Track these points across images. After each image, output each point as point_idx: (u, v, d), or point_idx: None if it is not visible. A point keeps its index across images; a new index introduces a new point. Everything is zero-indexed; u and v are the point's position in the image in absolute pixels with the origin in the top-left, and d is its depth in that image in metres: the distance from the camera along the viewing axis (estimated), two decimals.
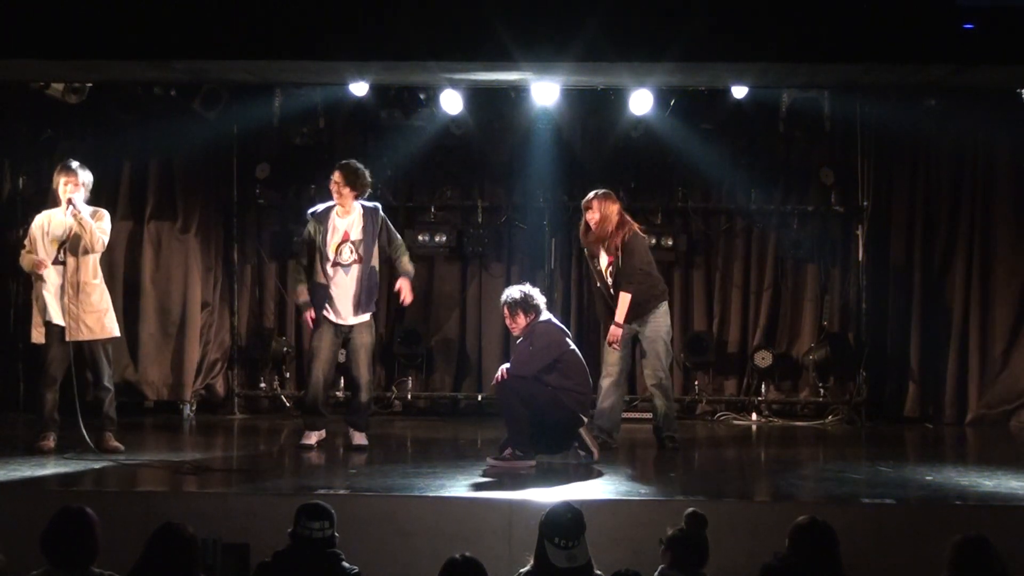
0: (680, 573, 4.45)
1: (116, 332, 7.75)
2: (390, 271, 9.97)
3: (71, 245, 7.52)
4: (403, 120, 9.59)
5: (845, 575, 4.42)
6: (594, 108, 9.64)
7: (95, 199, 9.72)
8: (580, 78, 8.46)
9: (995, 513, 6.06)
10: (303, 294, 7.89)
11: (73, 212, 7.49)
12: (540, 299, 7.42)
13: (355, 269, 7.78)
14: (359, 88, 9.01)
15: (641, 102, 9.14)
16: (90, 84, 8.89)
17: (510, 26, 6.85)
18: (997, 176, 9.83)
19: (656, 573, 4.47)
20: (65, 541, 4.16)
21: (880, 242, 9.91)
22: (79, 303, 7.49)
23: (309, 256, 7.87)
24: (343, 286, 7.77)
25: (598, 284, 8.09)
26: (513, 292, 7.43)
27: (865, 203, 9.84)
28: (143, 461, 7.30)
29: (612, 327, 7.82)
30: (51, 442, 7.51)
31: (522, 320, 7.33)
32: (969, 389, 9.78)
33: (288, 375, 10.14)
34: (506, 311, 7.42)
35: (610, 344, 7.86)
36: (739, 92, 8.99)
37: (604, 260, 7.95)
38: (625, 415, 8.44)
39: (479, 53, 7.18)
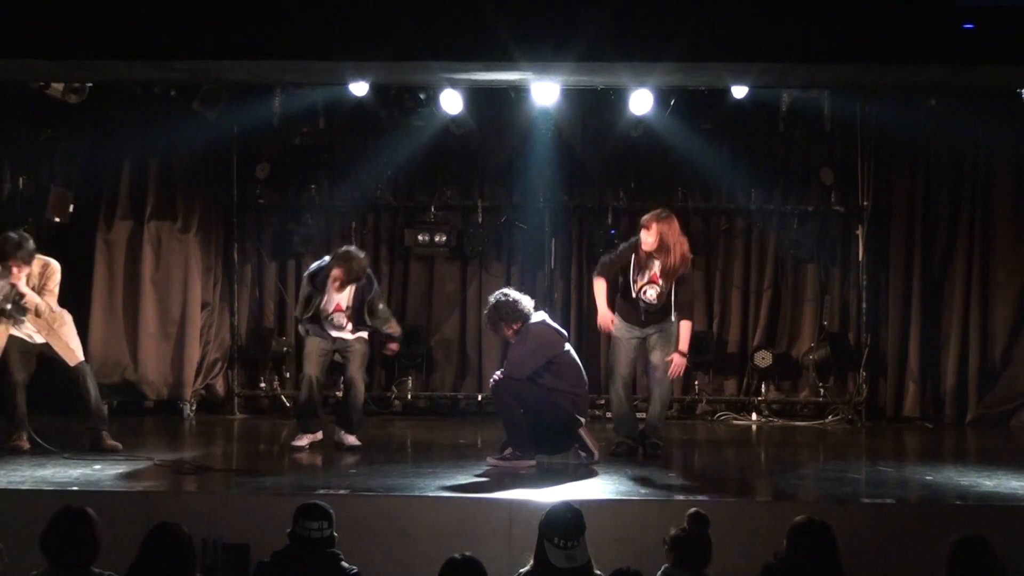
0: (684, 573, 4.46)
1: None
2: (390, 272, 10.05)
3: (16, 310, 7.51)
4: (403, 120, 9.58)
5: (845, 575, 4.42)
6: (594, 108, 9.64)
7: (95, 200, 9.81)
8: (580, 78, 8.45)
9: (995, 513, 6.06)
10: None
11: (26, 302, 7.47)
12: (524, 303, 7.30)
13: (349, 326, 7.96)
14: (359, 88, 9.00)
15: (641, 102, 9.13)
16: (90, 84, 8.89)
17: (510, 26, 6.85)
18: (997, 176, 9.83)
19: (660, 572, 4.47)
20: (65, 541, 4.16)
21: (880, 242, 9.91)
22: (59, 331, 7.61)
23: (307, 307, 7.97)
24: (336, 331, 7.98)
25: (624, 289, 7.78)
26: (490, 305, 7.34)
27: (865, 203, 9.84)
28: (143, 461, 7.29)
29: (677, 357, 7.64)
30: (25, 444, 7.57)
31: (507, 330, 7.30)
32: (969, 389, 9.78)
33: (288, 375, 10.13)
34: (487, 325, 7.43)
35: (672, 375, 7.72)
36: (739, 92, 8.98)
37: (646, 275, 7.67)
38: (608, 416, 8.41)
39: (479, 53, 7.18)
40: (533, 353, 7.18)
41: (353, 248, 8.10)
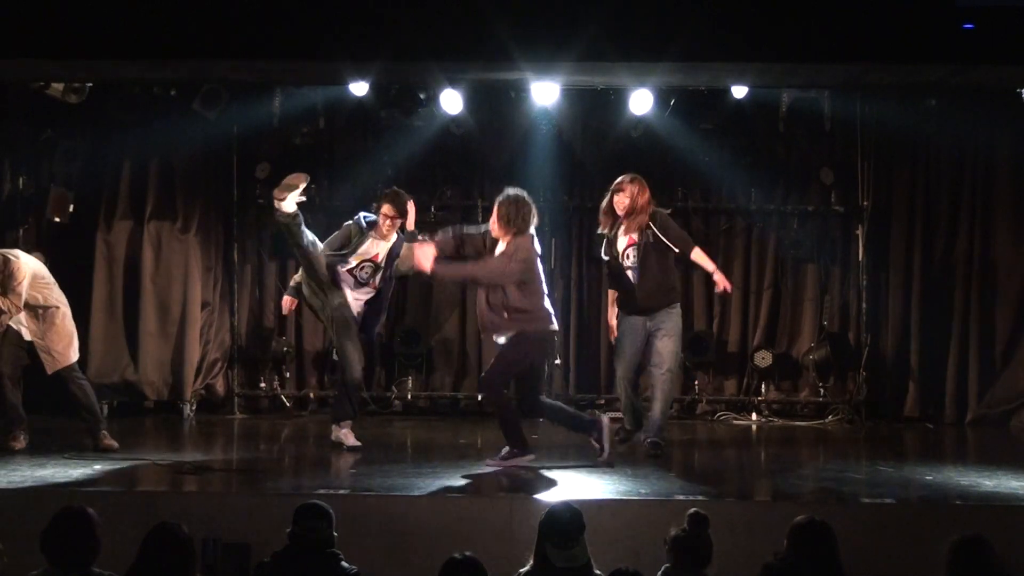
0: (684, 573, 4.46)
1: (77, 355, 7.74)
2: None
3: None
4: (403, 120, 9.58)
5: (845, 575, 4.42)
6: (594, 108, 9.64)
7: (95, 200, 9.81)
8: (580, 78, 8.47)
9: (995, 513, 6.05)
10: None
11: None
12: (533, 220, 7.18)
13: (364, 291, 7.81)
14: (359, 88, 9.02)
15: (641, 102, 9.14)
16: (90, 84, 8.89)
17: (510, 26, 6.86)
18: (997, 176, 9.83)
19: (660, 572, 4.48)
20: (65, 541, 4.15)
21: (880, 242, 9.91)
22: (45, 334, 7.51)
23: (339, 247, 7.76)
24: (354, 289, 7.82)
25: (613, 268, 7.85)
26: (509, 198, 7.13)
27: (865, 203, 9.84)
28: (143, 461, 7.29)
29: (718, 275, 7.65)
30: (21, 442, 7.54)
31: (503, 228, 7.13)
32: (969, 389, 9.78)
33: (288, 375, 10.14)
34: (499, 210, 7.16)
35: (726, 291, 7.73)
36: (739, 92, 8.99)
37: (623, 242, 7.76)
38: (615, 415, 8.39)
39: (479, 53, 7.19)
40: (511, 274, 7.05)
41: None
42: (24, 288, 7.38)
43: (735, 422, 9.85)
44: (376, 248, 7.79)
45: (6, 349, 7.54)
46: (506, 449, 7.17)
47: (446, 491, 6.37)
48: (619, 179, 7.83)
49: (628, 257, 7.75)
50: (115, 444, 7.57)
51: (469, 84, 8.81)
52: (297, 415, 9.91)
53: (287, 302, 8.12)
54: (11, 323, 7.49)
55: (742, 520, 5.76)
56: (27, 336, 7.53)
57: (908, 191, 9.94)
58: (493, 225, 7.24)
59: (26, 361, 7.64)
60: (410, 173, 10.08)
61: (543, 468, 7.10)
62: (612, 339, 8.03)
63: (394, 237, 7.84)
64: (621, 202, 7.74)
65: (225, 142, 9.87)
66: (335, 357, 8.55)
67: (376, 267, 7.79)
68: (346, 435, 7.78)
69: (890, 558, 5.63)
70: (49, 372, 7.52)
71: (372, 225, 7.78)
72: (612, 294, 8.01)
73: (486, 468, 7.05)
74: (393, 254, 7.83)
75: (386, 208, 7.72)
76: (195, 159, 9.92)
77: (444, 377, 10.22)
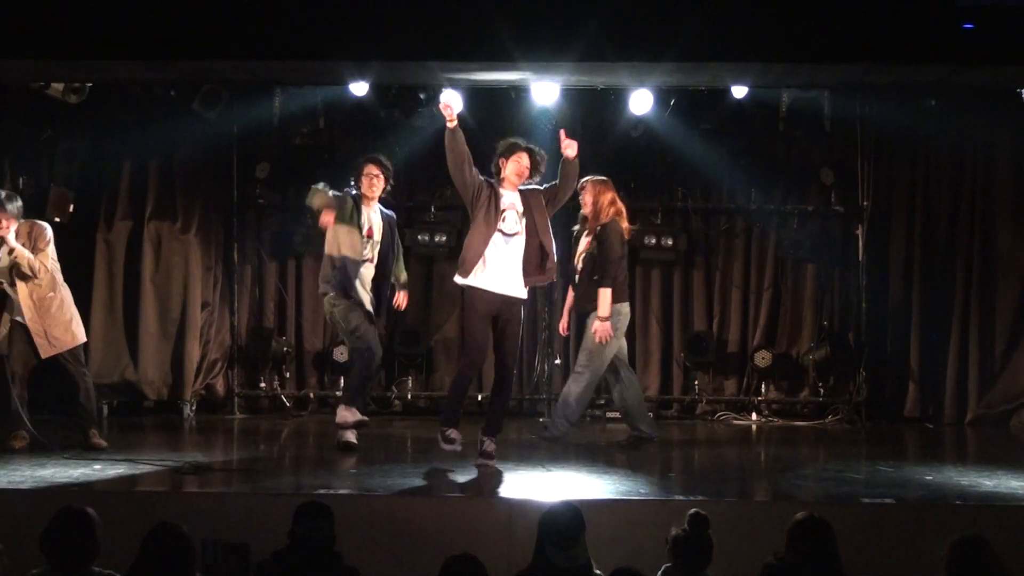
0: (684, 573, 4.46)
1: (83, 337, 7.70)
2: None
3: (16, 272, 7.38)
4: (403, 120, 9.57)
5: (845, 574, 4.42)
6: (594, 108, 9.64)
7: (95, 200, 9.82)
8: (580, 78, 8.47)
9: (995, 513, 6.05)
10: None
11: (8, 249, 7.32)
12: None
13: (367, 267, 7.74)
14: (359, 88, 9.02)
15: (641, 102, 9.15)
16: (90, 84, 8.89)
17: (510, 26, 6.86)
18: (997, 176, 9.83)
19: (660, 572, 4.48)
20: (65, 541, 4.16)
21: (880, 242, 9.91)
22: (42, 319, 7.45)
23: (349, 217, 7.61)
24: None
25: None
26: (540, 151, 7.12)
27: (865, 203, 9.84)
28: (143, 461, 7.29)
29: (598, 323, 7.59)
30: (23, 441, 7.50)
31: (532, 167, 7.08)
32: (969, 389, 9.78)
33: (288, 375, 10.14)
34: (531, 158, 7.08)
35: (600, 342, 7.63)
36: (739, 92, 9.00)
37: (583, 244, 7.91)
38: (615, 415, 8.43)
39: (479, 53, 7.19)
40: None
41: None
42: (52, 250, 7.43)
43: (735, 422, 9.85)
44: (369, 220, 7.67)
45: (15, 348, 7.52)
46: (488, 444, 7.11)
47: (446, 491, 6.37)
48: (582, 179, 7.79)
49: (581, 259, 7.89)
50: (104, 443, 7.55)
51: (469, 84, 8.81)
52: (297, 415, 9.91)
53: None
54: (18, 318, 7.47)
55: (742, 520, 5.77)
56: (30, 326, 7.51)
57: (908, 191, 9.94)
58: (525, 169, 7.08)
59: (34, 360, 7.62)
60: (410, 173, 10.08)
61: (543, 468, 7.10)
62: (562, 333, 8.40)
63: (377, 206, 7.74)
64: (584, 201, 7.87)
65: (225, 142, 9.88)
66: (336, 357, 8.50)
67: (373, 242, 7.67)
68: (348, 416, 7.65)
69: (890, 558, 5.63)
70: (43, 356, 7.46)
71: (359, 196, 7.67)
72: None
73: (484, 468, 7.04)
74: (389, 224, 7.72)
75: (370, 167, 7.64)
76: (195, 159, 9.92)
77: (444, 377, 10.20)
